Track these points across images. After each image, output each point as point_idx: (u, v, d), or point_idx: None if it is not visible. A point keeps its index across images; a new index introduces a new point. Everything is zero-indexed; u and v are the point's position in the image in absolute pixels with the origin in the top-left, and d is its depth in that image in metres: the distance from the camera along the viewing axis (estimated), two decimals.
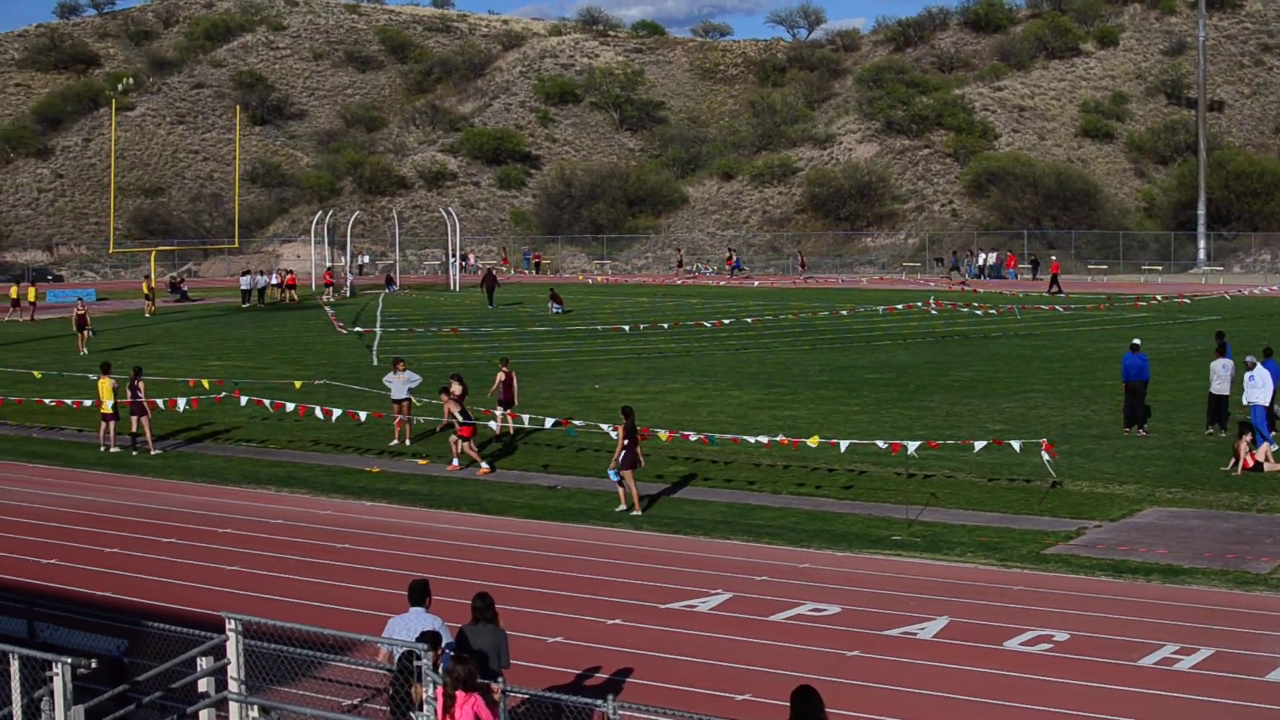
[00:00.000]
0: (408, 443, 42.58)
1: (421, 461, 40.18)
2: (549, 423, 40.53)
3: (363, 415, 42.06)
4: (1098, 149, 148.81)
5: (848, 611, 24.24)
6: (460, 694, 14.87)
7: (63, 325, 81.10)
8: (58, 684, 15.67)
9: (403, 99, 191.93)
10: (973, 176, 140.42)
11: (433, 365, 55.69)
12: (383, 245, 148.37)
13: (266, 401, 44.89)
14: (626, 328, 75.35)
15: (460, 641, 16.98)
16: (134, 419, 42.89)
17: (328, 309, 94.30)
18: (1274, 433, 37.36)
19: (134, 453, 42.59)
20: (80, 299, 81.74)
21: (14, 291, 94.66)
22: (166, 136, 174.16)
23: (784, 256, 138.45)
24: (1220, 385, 40.58)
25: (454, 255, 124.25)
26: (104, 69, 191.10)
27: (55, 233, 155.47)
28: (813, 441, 35.17)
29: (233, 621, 16.86)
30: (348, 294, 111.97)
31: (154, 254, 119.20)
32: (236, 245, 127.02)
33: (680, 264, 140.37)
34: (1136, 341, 43.08)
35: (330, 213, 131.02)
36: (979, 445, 34.17)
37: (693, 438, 37.70)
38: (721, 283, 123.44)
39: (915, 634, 22.93)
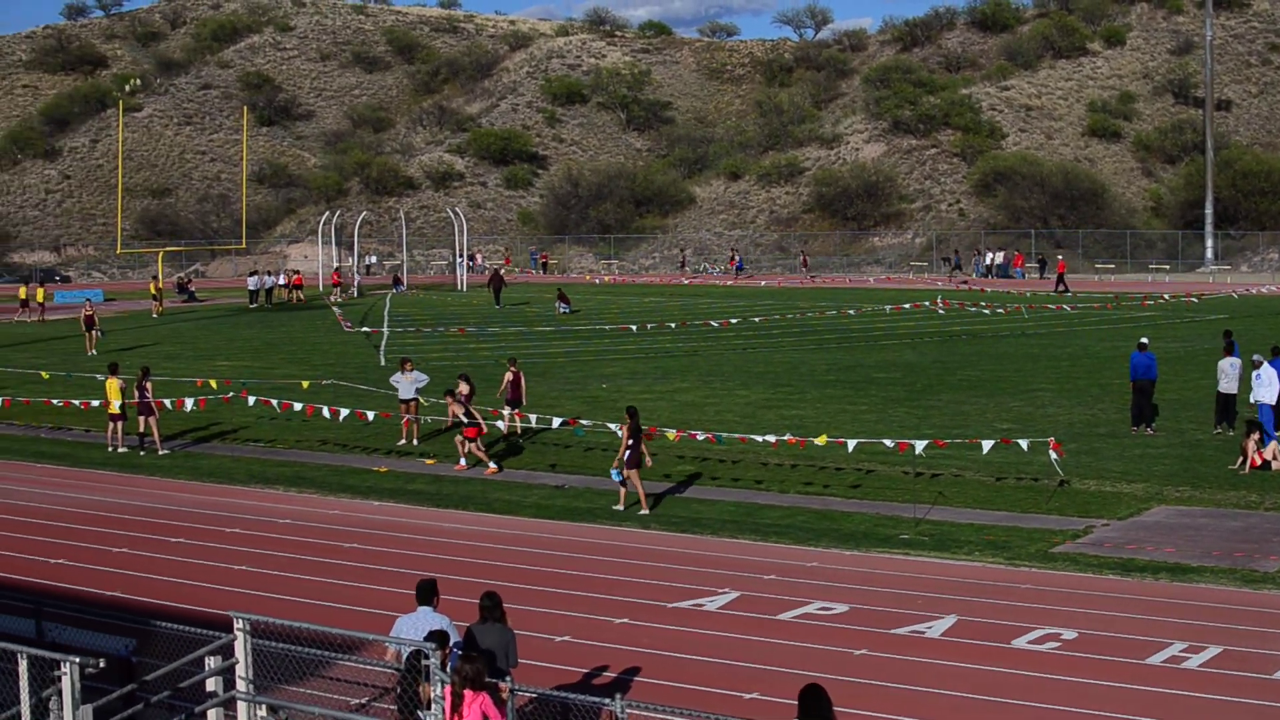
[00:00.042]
0: (415, 442, 42.59)
1: (429, 461, 40.19)
2: (556, 422, 40.57)
3: (370, 415, 42.07)
4: (1105, 148, 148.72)
5: (856, 610, 24.23)
6: (468, 693, 14.88)
7: (70, 326, 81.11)
8: (66, 683, 15.68)
9: (410, 99, 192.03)
10: (980, 176, 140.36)
11: (440, 365, 55.72)
12: (390, 245, 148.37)
13: (274, 401, 44.93)
14: (634, 327, 75.33)
15: (468, 640, 16.98)
16: (141, 419, 42.94)
17: (335, 309, 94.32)
18: None
19: (142, 453, 42.63)
20: (89, 299, 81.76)
21: (23, 292, 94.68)
22: (174, 137, 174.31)
23: (791, 256, 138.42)
24: (1228, 384, 40.55)
25: (461, 255, 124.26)
26: (111, 70, 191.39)
27: (63, 233, 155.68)
28: (820, 441, 35.17)
29: (241, 621, 16.87)
30: (355, 294, 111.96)
31: (161, 255, 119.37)
32: (244, 246, 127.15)
33: (683, 264, 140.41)
34: (1144, 340, 43.08)
35: (337, 213, 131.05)
36: (987, 444, 34.14)
37: (700, 437, 37.70)
38: (728, 283, 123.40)
39: (923, 633, 22.92)
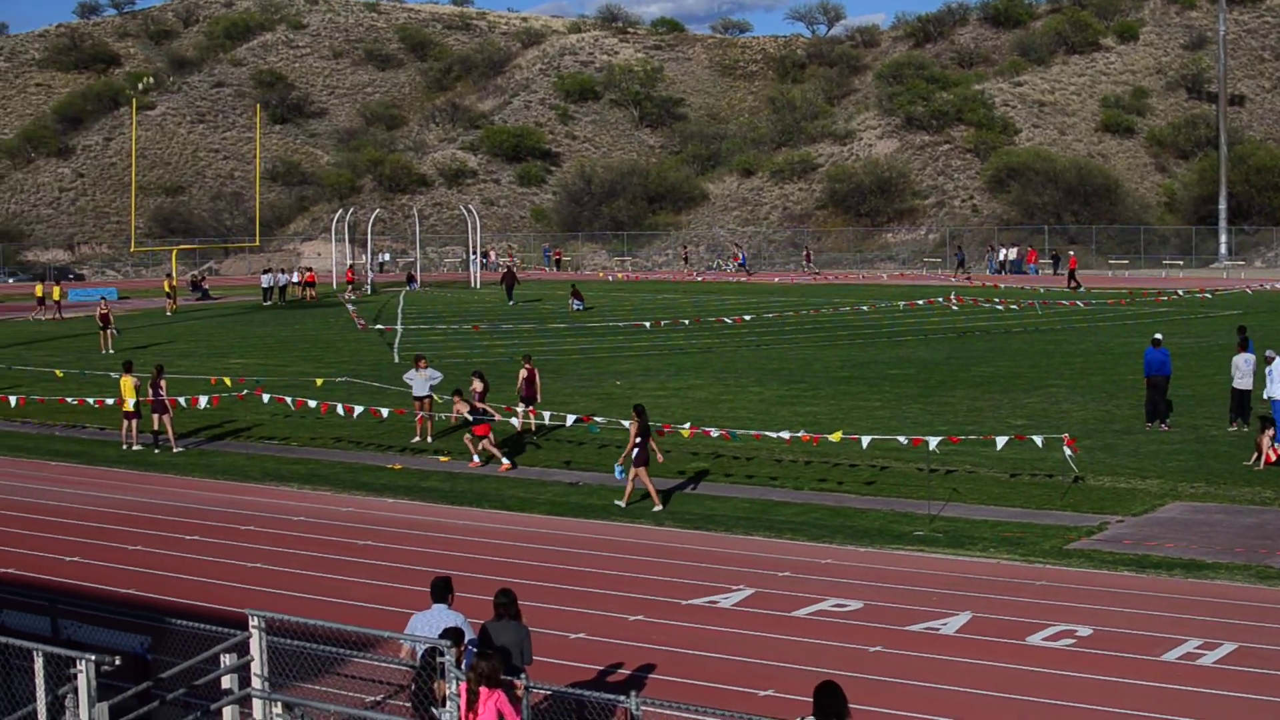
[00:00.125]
0: (429, 440, 42.61)
1: (443, 458, 40.20)
2: (570, 419, 40.56)
3: (384, 412, 42.07)
4: (1118, 144, 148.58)
5: (870, 607, 24.22)
6: (483, 690, 14.89)
7: (86, 324, 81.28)
8: (82, 681, 15.70)
9: (423, 97, 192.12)
10: (993, 172, 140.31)
11: (454, 363, 55.75)
12: (403, 243, 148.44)
13: (288, 399, 44.98)
14: (647, 324, 75.35)
15: (483, 638, 16.99)
16: (156, 417, 43.00)
17: (349, 306, 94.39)
18: None
19: (156, 451, 42.69)
20: (104, 298, 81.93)
21: (39, 290, 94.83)
22: (187, 135, 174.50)
23: (802, 252, 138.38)
24: (1242, 380, 40.47)
25: (474, 252, 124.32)
26: (124, 68, 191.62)
27: (76, 232, 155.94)
28: (834, 437, 35.16)
29: (256, 618, 16.88)
30: (368, 291, 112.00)
31: (175, 252, 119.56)
32: (257, 243, 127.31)
33: (685, 260, 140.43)
34: (1158, 336, 43.03)
35: (351, 211, 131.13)
36: (1001, 441, 34.07)
37: (714, 434, 37.68)
38: (741, 279, 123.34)
39: (938, 629, 22.90)
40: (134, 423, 43.27)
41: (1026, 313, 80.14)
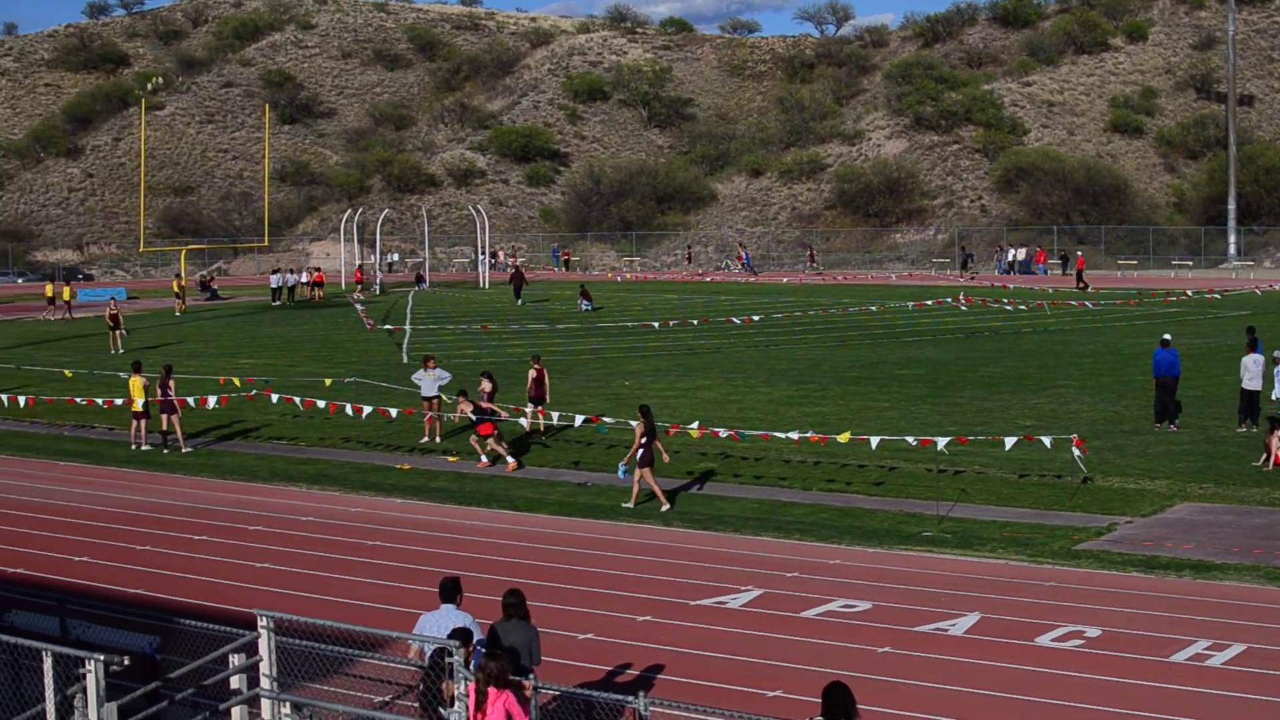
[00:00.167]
0: (438, 440, 42.64)
1: (451, 459, 40.23)
2: (579, 420, 40.57)
3: (393, 413, 42.10)
4: (1127, 144, 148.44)
5: (879, 608, 24.22)
6: (492, 691, 14.90)
7: (95, 324, 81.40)
8: (91, 681, 15.72)
9: (431, 97, 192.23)
10: (1002, 172, 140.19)
11: (463, 363, 55.79)
12: (412, 243, 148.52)
13: (297, 399, 45.00)
14: (656, 324, 75.37)
15: (491, 638, 17.01)
16: (164, 417, 43.04)
17: (358, 307, 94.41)
18: None
19: (165, 451, 42.73)
20: (113, 298, 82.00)
21: (50, 290, 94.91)
22: (196, 135, 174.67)
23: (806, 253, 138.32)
24: (1251, 381, 40.45)
25: (483, 253, 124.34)
26: (133, 69, 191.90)
27: (85, 232, 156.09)
28: (843, 438, 35.17)
29: (265, 619, 16.91)
30: (377, 292, 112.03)
31: (184, 252, 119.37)
32: (266, 243, 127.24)
33: (689, 259, 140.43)
34: (1167, 337, 42.97)
35: (359, 211, 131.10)
36: (1010, 441, 34.08)
37: (723, 434, 37.69)
38: (748, 279, 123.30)
39: (946, 630, 22.90)
40: (143, 423, 43.32)
41: (1035, 313, 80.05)
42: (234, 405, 47.63)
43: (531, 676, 15.70)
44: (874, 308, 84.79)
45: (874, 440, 34.89)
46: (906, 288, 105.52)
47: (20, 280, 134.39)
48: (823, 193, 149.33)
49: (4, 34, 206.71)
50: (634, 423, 33.87)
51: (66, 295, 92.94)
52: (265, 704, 17.02)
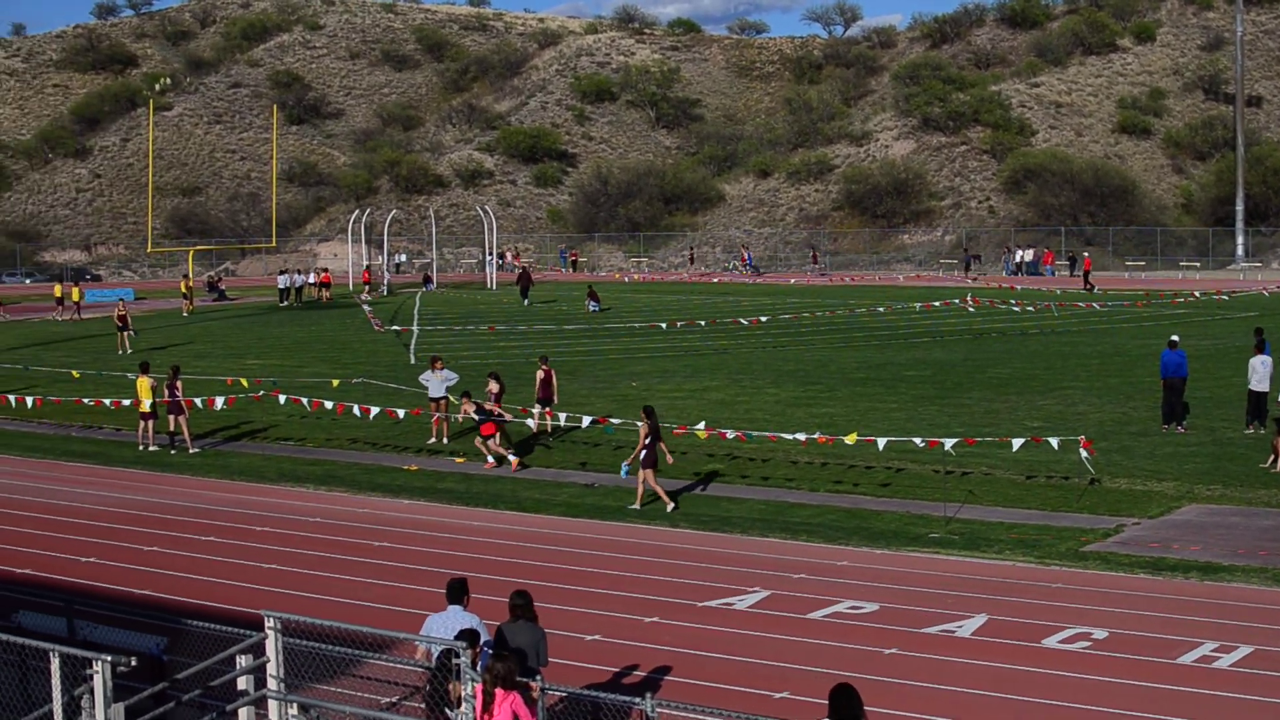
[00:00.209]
0: (445, 441, 42.65)
1: (459, 460, 40.24)
2: (586, 421, 40.58)
3: (400, 413, 42.12)
4: (1135, 145, 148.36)
5: (886, 609, 24.20)
6: (499, 692, 14.90)
7: (103, 325, 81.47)
8: (98, 682, 15.72)
9: (439, 98, 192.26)
10: (1010, 173, 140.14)
11: (470, 364, 55.79)
12: (419, 244, 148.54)
13: (304, 400, 45.02)
14: (664, 325, 75.38)
15: (498, 639, 17.00)
16: (172, 418, 43.07)
17: (365, 307, 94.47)
18: None
19: (172, 451, 42.77)
20: (122, 299, 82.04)
21: (59, 290, 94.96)
22: (204, 136, 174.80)
23: (820, 253, 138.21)
24: (1259, 382, 40.39)
25: (490, 253, 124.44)
26: (141, 69, 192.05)
27: (93, 232, 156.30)
28: (850, 439, 35.15)
29: (272, 619, 16.90)
30: (385, 292, 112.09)
31: (192, 253, 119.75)
32: (274, 244, 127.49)
33: (691, 260, 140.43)
34: (1174, 338, 42.96)
35: (367, 212, 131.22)
36: (1017, 443, 34.06)
37: (730, 435, 37.69)
38: (755, 280, 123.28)
39: (953, 632, 22.89)
40: (150, 423, 43.37)
41: (1043, 315, 79.99)
42: (241, 406, 47.65)
43: (538, 678, 15.69)
44: (881, 309, 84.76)
45: (881, 441, 34.88)
46: (914, 289, 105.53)
47: (28, 281, 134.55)
48: (830, 194, 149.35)
49: (12, 35, 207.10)
50: (640, 424, 33.86)
51: (76, 296, 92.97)
52: (272, 705, 17.02)
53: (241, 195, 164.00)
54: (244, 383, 49.89)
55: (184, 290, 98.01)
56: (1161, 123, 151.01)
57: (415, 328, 77.46)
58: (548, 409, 42.77)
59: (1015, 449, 34.29)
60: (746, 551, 28.68)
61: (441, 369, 43.35)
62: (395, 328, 78.89)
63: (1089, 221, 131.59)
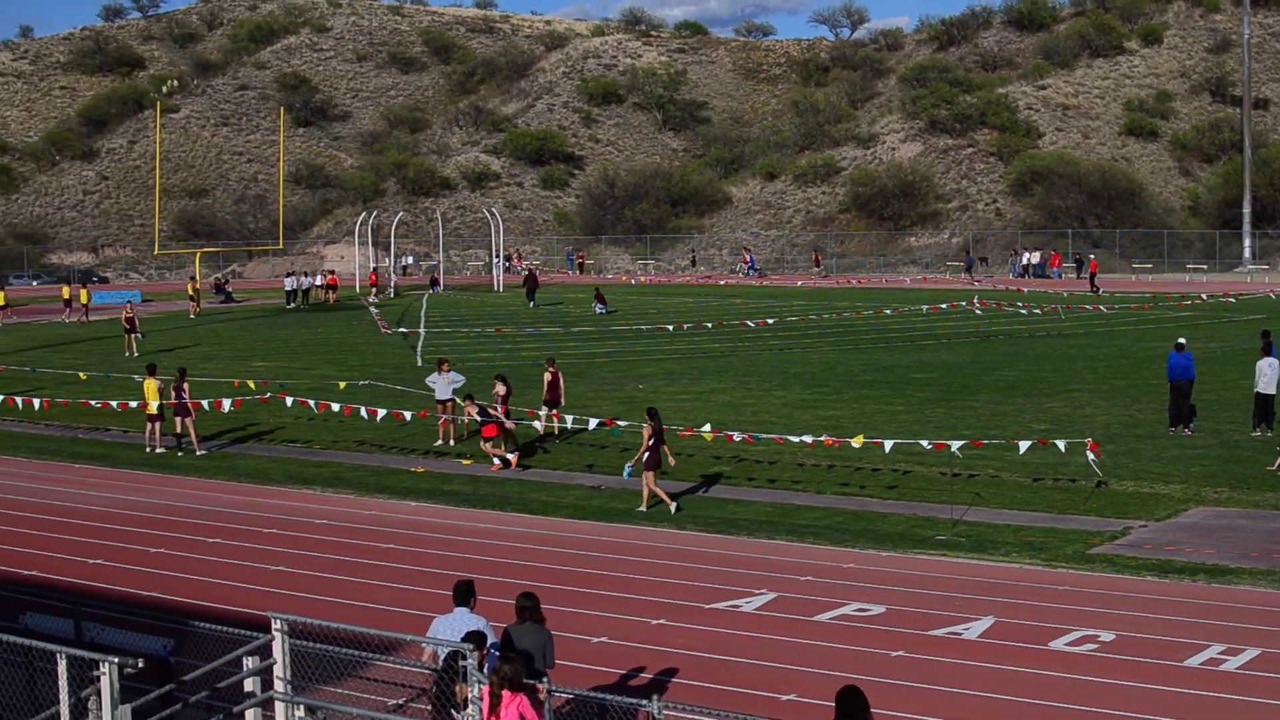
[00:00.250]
0: (452, 443, 42.65)
1: (466, 462, 40.25)
2: (593, 423, 40.59)
3: (407, 416, 42.15)
4: (1142, 147, 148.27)
5: (892, 611, 24.19)
6: (506, 694, 14.89)
7: (110, 327, 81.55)
8: (105, 683, 15.74)
9: (446, 100, 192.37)
10: (1016, 175, 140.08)
11: (477, 366, 55.82)
12: (426, 246, 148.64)
13: (311, 402, 45.03)
14: (670, 328, 75.38)
15: (505, 641, 17.00)
16: (178, 420, 43.08)
17: (372, 310, 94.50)
18: None
19: (179, 453, 42.79)
20: (130, 301, 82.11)
21: (66, 292, 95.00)
22: (211, 138, 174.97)
23: (825, 256, 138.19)
24: (1266, 384, 40.37)
25: (497, 256, 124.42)
26: (148, 71, 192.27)
27: (100, 234, 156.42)
28: (857, 441, 35.11)
29: (279, 621, 16.92)
30: (392, 295, 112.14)
31: (199, 255, 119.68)
32: (281, 246, 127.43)
33: (694, 263, 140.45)
34: (1181, 341, 42.91)
35: (374, 214, 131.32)
36: (1024, 445, 34.05)
37: (737, 437, 37.69)
38: (759, 283, 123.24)
39: (960, 634, 22.88)
40: (157, 425, 43.39)
41: (1050, 317, 79.93)
42: (248, 408, 47.67)
43: (545, 680, 15.70)
44: (888, 311, 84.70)
45: (888, 444, 34.84)
46: (921, 291, 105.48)
47: (35, 283, 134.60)
48: (837, 196, 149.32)
49: (19, 37, 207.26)
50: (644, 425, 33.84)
51: (84, 298, 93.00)
52: (279, 706, 17.04)
53: (248, 197, 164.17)
54: (251, 385, 49.89)
55: (191, 292, 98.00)
56: (1168, 125, 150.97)
57: (422, 330, 77.47)
58: (555, 411, 42.78)
59: (1022, 451, 34.29)
60: (753, 554, 28.67)
61: (448, 371, 43.35)
62: (402, 330, 78.92)
63: (1096, 224, 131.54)
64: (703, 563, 27.92)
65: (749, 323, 76.29)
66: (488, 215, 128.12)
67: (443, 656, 16.28)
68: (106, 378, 57.24)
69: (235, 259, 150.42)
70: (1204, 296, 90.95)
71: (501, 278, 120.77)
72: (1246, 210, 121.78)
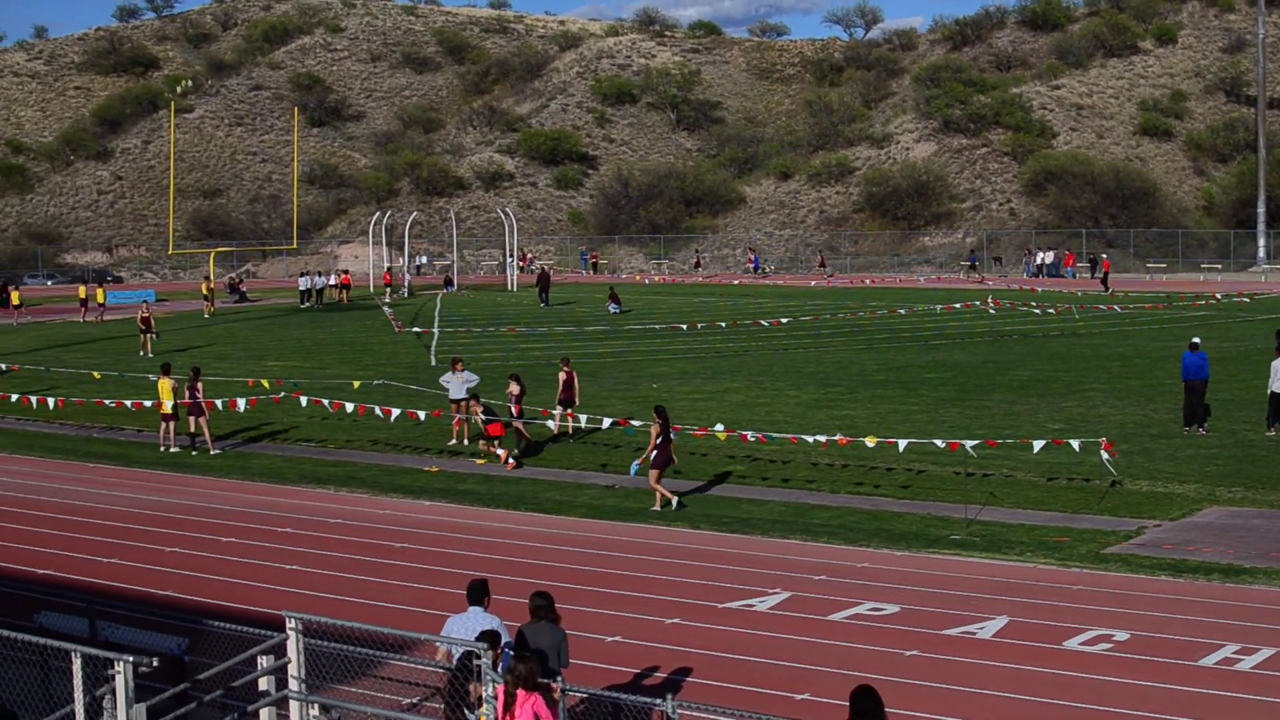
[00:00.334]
0: (466, 442, 42.65)
1: (480, 461, 40.24)
2: (607, 422, 40.60)
3: (421, 415, 42.18)
4: (1156, 147, 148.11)
5: (907, 611, 24.17)
6: (521, 693, 14.89)
7: (124, 326, 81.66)
8: (119, 682, 15.75)
9: (460, 100, 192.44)
10: (1030, 175, 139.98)
11: (491, 365, 55.84)
12: (440, 246, 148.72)
13: (325, 401, 45.05)
14: (684, 327, 75.37)
15: (519, 640, 17.00)
16: (192, 419, 43.13)
17: (386, 309, 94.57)
18: None
19: (193, 453, 42.83)
20: (145, 301, 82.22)
21: (82, 292, 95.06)
22: (225, 138, 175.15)
23: (840, 255, 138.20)
24: None
25: (511, 255, 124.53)
26: (163, 72, 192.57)
27: (115, 234, 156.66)
28: (870, 441, 35.09)
29: (293, 620, 16.93)
30: (406, 294, 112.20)
31: (213, 255, 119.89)
32: (295, 246, 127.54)
33: (698, 264, 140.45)
34: (1196, 340, 42.86)
35: (388, 214, 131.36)
36: (1038, 444, 34.02)
37: (750, 437, 37.69)
38: (763, 283, 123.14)
39: (974, 634, 22.85)
40: (172, 425, 43.44)
41: (1064, 317, 79.82)
42: (262, 407, 47.71)
43: (559, 679, 15.70)
44: (902, 311, 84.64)
45: (902, 443, 34.81)
46: (934, 291, 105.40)
47: (50, 283, 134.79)
48: (851, 196, 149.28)
49: (34, 37, 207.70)
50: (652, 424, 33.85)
51: (100, 298, 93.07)
52: (293, 705, 17.05)
53: (262, 197, 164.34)
54: (265, 384, 49.93)
55: (205, 292, 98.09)
56: (1183, 125, 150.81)
57: (436, 329, 77.51)
58: (569, 411, 42.82)
59: (1036, 451, 34.26)
60: (767, 553, 28.66)
61: (462, 370, 43.35)
62: (416, 329, 78.97)
63: (1110, 224, 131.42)
64: (717, 562, 27.91)
65: (763, 322, 76.25)
66: (501, 215, 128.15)
67: (457, 655, 16.29)
68: (121, 377, 57.31)
69: (249, 259, 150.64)
70: (1218, 296, 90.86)
71: (515, 277, 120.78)
72: (1261, 210, 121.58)
